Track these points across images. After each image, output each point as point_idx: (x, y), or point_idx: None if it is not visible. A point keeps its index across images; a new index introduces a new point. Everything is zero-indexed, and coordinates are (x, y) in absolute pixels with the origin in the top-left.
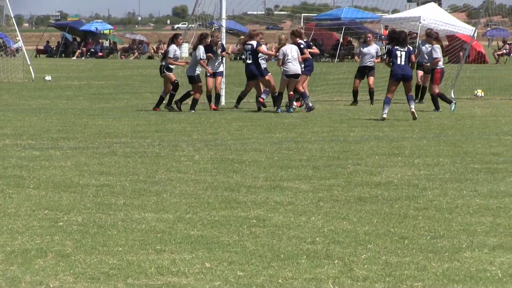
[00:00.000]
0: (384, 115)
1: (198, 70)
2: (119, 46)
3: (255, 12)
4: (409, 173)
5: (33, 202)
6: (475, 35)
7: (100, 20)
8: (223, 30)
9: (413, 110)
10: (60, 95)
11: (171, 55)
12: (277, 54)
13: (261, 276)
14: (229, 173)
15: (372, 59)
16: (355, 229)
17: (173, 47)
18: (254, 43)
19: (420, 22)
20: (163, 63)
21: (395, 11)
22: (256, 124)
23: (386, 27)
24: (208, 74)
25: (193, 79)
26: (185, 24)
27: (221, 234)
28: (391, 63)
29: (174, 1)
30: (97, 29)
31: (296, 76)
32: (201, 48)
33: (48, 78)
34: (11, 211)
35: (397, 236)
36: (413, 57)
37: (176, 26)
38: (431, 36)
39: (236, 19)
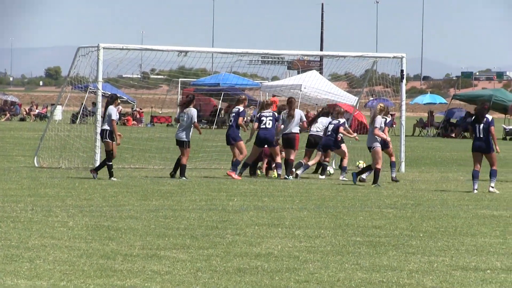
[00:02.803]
0: (475, 191)
1: (189, 135)
2: None
3: (130, 75)
4: (289, 245)
5: None
6: (357, 105)
7: None
8: (99, 93)
9: (492, 188)
10: None
11: (114, 117)
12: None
13: None
14: (104, 240)
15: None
16: None
17: (112, 108)
18: (240, 108)
19: (301, 90)
20: (108, 128)
21: (275, 78)
22: (132, 191)
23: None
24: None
25: (183, 144)
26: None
27: None
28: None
29: (47, 62)
30: None
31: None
32: (194, 111)
33: None
34: None
35: None
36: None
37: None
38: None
39: (111, 82)
